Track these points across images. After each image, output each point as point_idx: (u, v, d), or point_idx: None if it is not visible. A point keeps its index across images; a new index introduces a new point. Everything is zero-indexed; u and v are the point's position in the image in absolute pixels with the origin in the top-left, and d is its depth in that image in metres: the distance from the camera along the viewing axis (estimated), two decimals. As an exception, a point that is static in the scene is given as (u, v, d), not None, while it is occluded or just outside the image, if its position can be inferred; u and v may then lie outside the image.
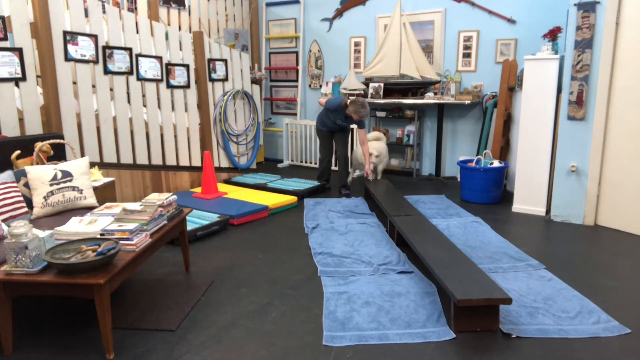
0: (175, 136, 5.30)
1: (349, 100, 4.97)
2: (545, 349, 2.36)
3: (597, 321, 2.60)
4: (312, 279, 3.19)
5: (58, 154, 3.73)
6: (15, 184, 3.11)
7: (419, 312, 2.70)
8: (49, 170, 3.23)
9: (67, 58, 4.20)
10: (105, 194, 3.71)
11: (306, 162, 7.04)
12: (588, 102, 4.13)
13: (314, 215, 4.56)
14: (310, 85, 7.17)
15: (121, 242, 2.47)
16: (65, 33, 4.15)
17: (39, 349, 2.39)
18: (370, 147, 5.31)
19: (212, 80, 5.62)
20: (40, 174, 3.18)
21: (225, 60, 5.75)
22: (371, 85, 6.15)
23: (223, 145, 5.86)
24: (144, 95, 4.96)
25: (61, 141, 3.69)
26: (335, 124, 5.20)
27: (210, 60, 5.55)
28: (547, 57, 4.33)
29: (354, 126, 6.01)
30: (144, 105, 4.97)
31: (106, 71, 4.53)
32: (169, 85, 5.12)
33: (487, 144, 5.59)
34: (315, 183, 5.53)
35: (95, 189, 3.55)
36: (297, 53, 7.14)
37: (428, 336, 2.47)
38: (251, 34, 7.23)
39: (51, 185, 3.18)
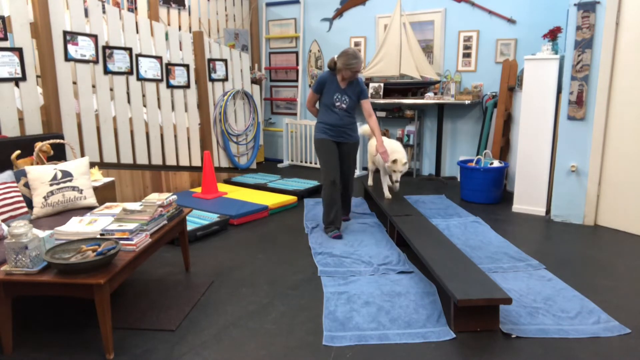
0: (175, 136, 5.30)
1: (336, 57, 3.83)
2: (545, 349, 2.36)
3: (597, 321, 2.60)
4: (312, 279, 3.19)
5: (58, 154, 3.73)
6: (15, 184, 3.11)
7: (419, 312, 2.70)
8: (49, 170, 3.23)
9: (67, 58, 4.21)
10: (105, 194, 3.71)
11: (306, 162, 7.04)
12: (588, 102, 4.13)
13: (314, 215, 4.55)
14: (310, 85, 7.17)
15: (121, 242, 2.47)
16: (65, 33, 4.15)
17: (39, 349, 2.39)
18: (393, 151, 4.14)
19: (212, 80, 5.62)
20: (40, 174, 3.18)
21: (225, 60, 5.75)
22: (371, 85, 6.15)
23: (223, 145, 5.86)
24: (144, 95, 4.96)
25: (61, 141, 3.69)
26: (341, 111, 3.87)
27: (210, 60, 5.55)
28: (547, 57, 4.33)
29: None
30: (144, 105, 4.97)
31: (106, 71, 4.53)
32: (169, 85, 5.12)
33: (487, 144, 5.59)
34: (315, 183, 5.52)
35: (95, 189, 3.56)
36: (297, 53, 7.14)
37: (428, 336, 2.47)
38: (251, 34, 7.23)
39: (51, 185, 3.18)
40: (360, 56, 3.76)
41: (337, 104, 3.87)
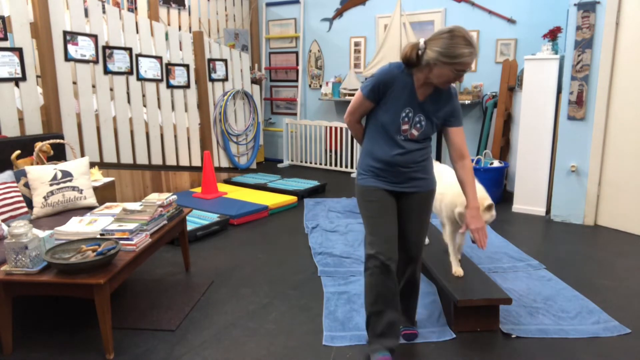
0: (175, 136, 5.30)
1: (422, 41, 2.03)
2: (545, 349, 2.36)
3: (597, 321, 2.60)
4: (312, 279, 3.19)
5: (58, 154, 3.73)
6: (15, 184, 3.11)
7: (419, 312, 2.69)
8: (49, 170, 3.23)
9: (67, 58, 4.20)
10: (105, 194, 3.71)
11: (306, 162, 7.04)
12: (588, 102, 4.13)
13: (314, 215, 4.55)
14: (310, 85, 7.17)
15: (121, 242, 2.47)
16: (65, 33, 4.15)
17: (39, 349, 2.39)
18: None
19: (212, 80, 5.62)
20: (40, 174, 3.18)
21: (225, 60, 5.75)
22: (371, 85, 6.14)
23: (223, 145, 5.86)
24: (144, 95, 4.96)
25: (61, 141, 3.69)
26: (408, 142, 2.18)
27: (210, 60, 5.55)
28: (547, 57, 4.33)
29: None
30: (144, 105, 4.97)
31: (106, 71, 4.53)
32: (169, 85, 5.12)
33: (487, 144, 5.59)
34: (316, 183, 5.52)
35: (95, 189, 3.55)
36: (297, 53, 7.14)
37: (428, 336, 2.47)
38: (251, 34, 7.23)
39: (51, 185, 3.18)
40: (475, 43, 1.99)
41: (405, 127, 2.13)
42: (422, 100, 2.13)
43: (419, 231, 2.32)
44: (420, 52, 2.01)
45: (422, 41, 2.01)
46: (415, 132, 2.16)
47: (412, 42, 2.05)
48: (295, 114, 7.33)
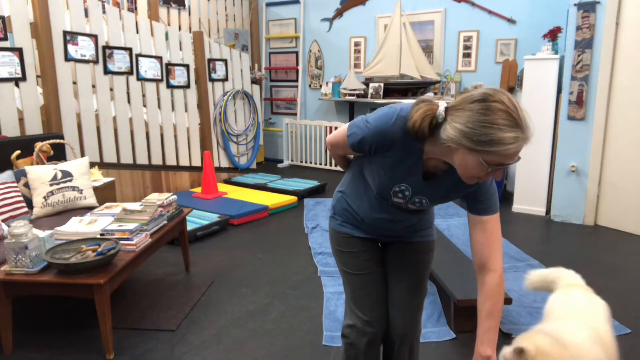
0: (175, 136, 5.30)
1: (442, 106, 1.29)
2: (545, 349, 2.36)
3: (597, 321, 2.60)
4: (312, 279, 3.19)
5: (58, 154, 3.73)
6: (15, 184, 3.11)
7: (419, 312, 2.70)
8: (49, 170, 3.23)
9: (67, 58, 4.20)
10: (105, 194, 3.71)
11: (306, 162, 7.04)
12: (588, 102, 4.13)
13: (314, 215, 4.56)
14: (310, 85, 7.17)
15: (121, 242, 2.47)
16: (65, 33, 4.15)
17: (39, 349, 2.39)
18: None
19: (212, 80, 5.62)
20: (40, 174, 3.17)
21: (225, 60, 5.75)
22: (371, 85, 6.15)
23: (223, 145, 5.86)
24: (144, 95, 4.96)
25: (61, 141, 3.69)
26: (397, 210, 1.57)
27: (210, 60, 5.55)
28: (547, 57, 4.33)
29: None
30: (144, 105, 4.97)
31: (106, 71, 4.53)
32: (169, 85, 5.12)
33: (487, 144, 5.58)
34: (316, 183, 5.52)
35: (95, 189, 3.55)
36: (297, 53, 7.14)
37: (428, 336, 2.47)
38: (251, 34, 7.23)
39: (51, 185, 3.18)
40: (526, 120, 1.33)
41: (398, 201, 1.53)
42: (429, 178, 1.45)
43: (408, 293, 1.64)
44: (436, 121, 1.29)
45: (442, 106, 1.29)
46: (411, 207, 1.54)
47: (426, 103, 1.31)
48: (295, 114, 7.33)
